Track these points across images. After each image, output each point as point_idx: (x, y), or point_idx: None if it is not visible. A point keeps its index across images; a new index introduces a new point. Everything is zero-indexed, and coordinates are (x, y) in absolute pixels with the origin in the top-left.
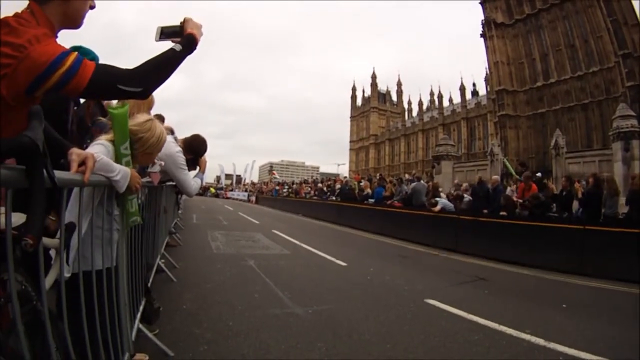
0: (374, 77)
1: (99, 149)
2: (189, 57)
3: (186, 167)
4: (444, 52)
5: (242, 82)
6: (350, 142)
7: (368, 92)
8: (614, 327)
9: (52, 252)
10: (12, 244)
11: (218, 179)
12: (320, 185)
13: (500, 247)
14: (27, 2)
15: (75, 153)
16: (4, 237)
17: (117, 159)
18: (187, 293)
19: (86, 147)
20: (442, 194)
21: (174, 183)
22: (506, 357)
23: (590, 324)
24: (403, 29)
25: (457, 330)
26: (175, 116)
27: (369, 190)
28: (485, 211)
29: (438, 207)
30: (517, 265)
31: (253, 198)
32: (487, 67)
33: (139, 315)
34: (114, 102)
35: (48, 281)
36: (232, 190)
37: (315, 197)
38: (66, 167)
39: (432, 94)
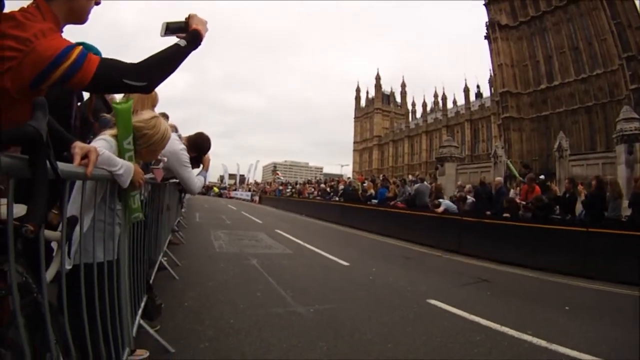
0: (378, 78)
1: (102, 144)
2: (192, 55)
3: (190, 165)
4: (448, 54)
5: (244, 82)
6: (354, 143)
7: (372, 93)
8: (616, 329)
9: (54, 245)
10: (13, 235)
11: (221, 178)
12: (323, 185)
13: (503, 248)
14: None
15: (78, 146)
16: (5, 229)
17: (120, 154)
18: (189, 291)
19: (89, 143)
20: (445, 196)
21: (177, 181)
22: (508, 358)
23: (593, 326)
24: (407, 30)
25: (459, 331)
26: (180, 114)
27: (372, 191)
28: (488, 213)
29: (441, 209)
30: (519, 267)
31: (256, 198)
32: (491, 69)
33: (140, 311)
34: (118, 97)
35: (49, 274)
36: (235, 190)
37: (318, 198)
38: (69, 160)
39: (436, 95)
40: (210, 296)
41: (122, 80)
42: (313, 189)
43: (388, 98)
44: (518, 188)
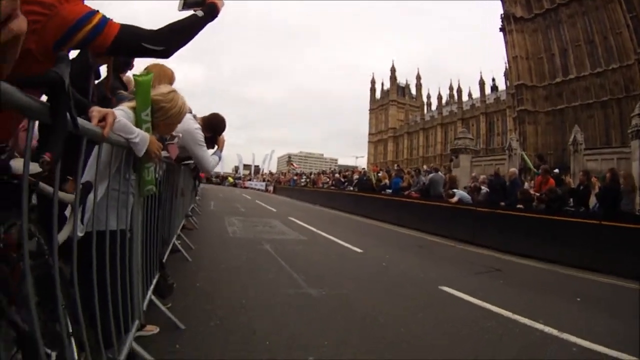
0: (393, 70)
1: (119, 113)
2: (207, 48)
3: (204, 144)
4: (463, 47)
5: (260, 73)
6: (369, 134)
7: (387, 85)
8: (627, 322)
9: (67, 213)
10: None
11: (236, 169)
12: (337, 175)
13: (516, 239)
14: None
15: (96, 110)
16: (20, 184)
17: (137, 125)
18: (201, 272)
19: None
20: (459, 187)
21: (191, 164)
22: (519, 345)
23: (604, 317)
24: (423, 23)
25: (470, 317)
26: (196, 105)
27: (386, 181)
28: (502, 204)
29: (455, 199)
30: (532, 258)
31: (271, 188)
32: (506, 61)
33: (151, 288)
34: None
35: (61, 236)
36: (250, 180)
37: (332, 187)
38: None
39: (451, 88)
40: (222, 278)
41: (141, 44)
42: (327, 179)
43: (403, 90)
44: (532, 182)
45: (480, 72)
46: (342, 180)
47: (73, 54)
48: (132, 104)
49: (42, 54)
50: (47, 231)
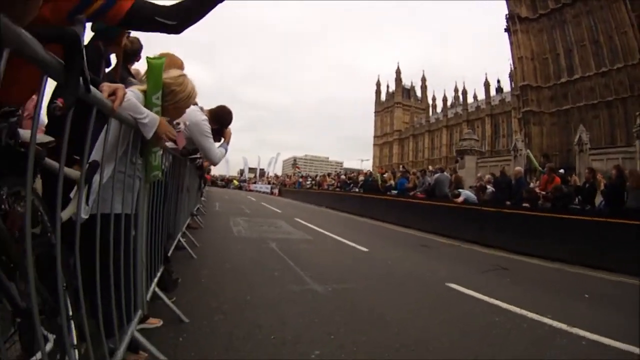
0: (398, 72)
1: (129, 93)
2: (215, 50)
3: (211, 136)
4: (468, 48)
5: (266, 77)
6: (374, 137)
7: (392, 88)
8: (636, 316)
9: (72, 195)
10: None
11: (241, 172)
12: (343, 177)
13: (522, 239)
14: None
15: (106, 84)
16: (26, 152)
17: (148, 108)
18: (206, 269)
19: None
20: (464, 187)
21: (197, 161)
22: (528, 338)
23: (613, 313)
24: (428, 25)
25: (477, 312)
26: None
27: (392, 182)
28: (508, 203)
29: (461, 199)
30: (539, 257)
31: (276, 190)
32: (511, 62)
33: (156, 280)
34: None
35: (65, 214)
36: (255, 182)
37: (337, 189)
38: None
39: (456, 90)
40: (227, 275)
41: (154, 18)
42: (333, 181)
43: (408, 92)
44: (537, 182)
45: (486, 74)
46: (348, 181)
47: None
48: (143, 87)
49: (56, 22)
50: (51, 209)
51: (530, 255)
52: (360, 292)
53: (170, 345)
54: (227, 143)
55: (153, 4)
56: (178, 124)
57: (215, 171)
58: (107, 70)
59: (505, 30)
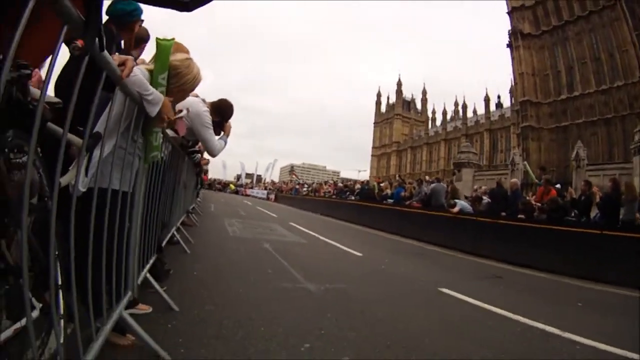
0: (399, 84)
1: (136, 70)
2: (214, 57)
3: (212, 127)
4: (470, 63)
5: (265, 84)
6: (373, 147)
7: (393, 99)
8: (631, 324)
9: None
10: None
11: (238, 177)
12: (340, 184)
13: (517, 250)
14: None
15: (116, 56)
16: (34, 109)
17: (153, 87)
18: (199, 263)
19: None
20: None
21: (195, 157)
22: (521, 342)
23: (606, 319)
24: (429, 37)
25: (471, 316)
26: None
27: (388, 191)
28: (503, 214)
29: (456, 209)
30: (533, 268)
31: (272, 196)
32: (512, 78)
33: (147, 266)
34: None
35: (64, 179)
36: (251, 188)
37: (334, 197)
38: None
39: (456, 104)
40: (220, 269)
41: None
42: (329, 189)
43: (409, 105)
44: (534, 196)
45: (486, 88)
46: (344, 189)
47: None
48: (150, 66)
49: None
50: (50, 176)
51: (525, 266)
52: (353, 292)
53: (159, 331)
54: (227, 136)
55: None
56: (181, 110)
57: (212, 175)
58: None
59: (508, 45)
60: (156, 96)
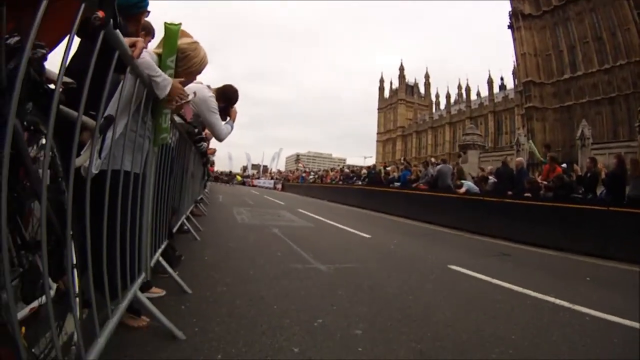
0: (401, 68)
1: (144, 54)
2: (217, 48)
3: (218, 112)
4: (472, 45)
5: (269, 74)
6: (378, 133)
7: (396, 84)
8: (638, 298)
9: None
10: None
11: (245, 168)
12: (346, 170)
13: (524, 228)
14: None
15: (127, 38)
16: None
17: (162, 70)
18: (209, 249)
19: None
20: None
21: (202, 147)
22: (531, 314)
23: (615, 293)
24: (431, 21)
25: (480, 291)
26: None
27: (395, 174)
28: (510, 193)
29: (463, 189)
30: (541, 246)
31: (279, 185)
32: (514, 59)
33: (160, 250)
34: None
35: (79, 160)
36: (258, 178)
37: (340, 182)
38: None
39: (459, 87)
40: (230, 253)
41: None
42: (336, 175)
43: (412, 89)
44: (539, 176)
45: (489, 71)
46: (351, 175)
47: None
48: (158, 50)
49: None
50: (63, 157)
51: (532, 244)
52: (363, 271)
53: (172, 313)
54: (233, 121)
55: None
56: (187, 95)
57: (218, 167)
58: None
59: (509, 27)
60: (164, 78)
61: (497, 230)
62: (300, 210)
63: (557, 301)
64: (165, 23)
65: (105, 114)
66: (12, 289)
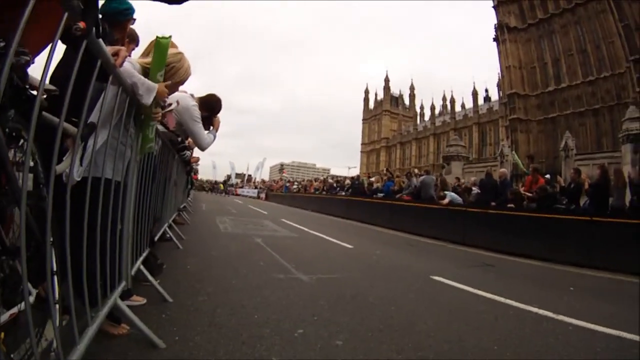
0: (387, 80)
1: (126, 63)
2: (204, 57)
3: (200, 121)
4: (458, 58)
5: (253, 83)
6: (362, 144)
7: (381, 95)
8: (624, 306)
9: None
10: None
11: (228, 177)
12: (330, 180)
13: (507, 239)
14: None
15: (109, 47)
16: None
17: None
18: (192, 258)
19: None
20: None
21: (185, 155)
22: (514, 324)
23: (599, 303)
24: (417, 34)
25: (463, 301)
26: None
27: (378, 185)
28: (493, 204)
29: (446, 200)
30: (524, 257)
31: (263, 195)
32: (499, 72)
33: (141, 259)
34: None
35: (60, 167)
36: (242, 187)
37: (324, 192)
38: None
39: (444, 98)
40: (213, 262)
41: None
42: (319, 185)
43: (397, 100)
44: (522, 186)
45: (474, 83)
46: (335, 185)
47: None
48: (144, 60)
49: None
50: (44, 164)
51: (515, 255)
52: (345, 281)
53: (153, 321)
54: (216, 130)
55: None
56: (170, 104)
57: (202, 176)
58: None
59: (494, 39)
60: (147, 86)
61: (481, 240)
62: (284, 220)
63: (541, 311)
64: (157, 37)
65: (88, 122)
66: None
